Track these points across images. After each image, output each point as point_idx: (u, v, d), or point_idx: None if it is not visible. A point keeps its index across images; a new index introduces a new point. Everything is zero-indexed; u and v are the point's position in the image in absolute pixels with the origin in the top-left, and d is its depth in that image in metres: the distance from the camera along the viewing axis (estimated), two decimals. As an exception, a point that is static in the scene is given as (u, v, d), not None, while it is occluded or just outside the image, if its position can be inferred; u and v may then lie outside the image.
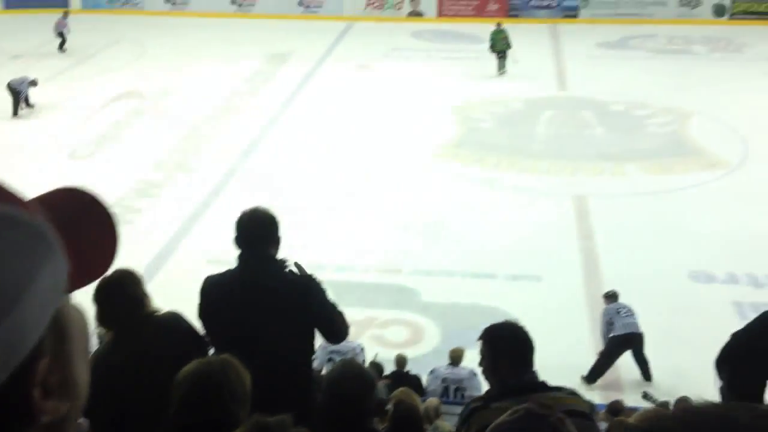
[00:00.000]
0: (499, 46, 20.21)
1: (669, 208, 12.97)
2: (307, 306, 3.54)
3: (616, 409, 6.92)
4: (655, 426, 0.79)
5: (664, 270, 11.05)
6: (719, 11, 25.90)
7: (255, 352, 3.03)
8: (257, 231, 3.54)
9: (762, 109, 17.31)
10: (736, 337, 2.08)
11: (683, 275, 10.92)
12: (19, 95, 17.18)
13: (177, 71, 20.69)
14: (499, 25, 20.66)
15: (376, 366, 7.98)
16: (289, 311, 3.51)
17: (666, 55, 22.53)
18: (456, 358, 8.20)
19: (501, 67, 20.23)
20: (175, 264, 11.24)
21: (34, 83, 17.52)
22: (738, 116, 16.78)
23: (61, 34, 22.61)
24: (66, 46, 22.63)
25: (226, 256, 12.06)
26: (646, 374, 9.01)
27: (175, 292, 10.45)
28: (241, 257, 3.56)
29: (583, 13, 26.54)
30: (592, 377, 8.93)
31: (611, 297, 9.48)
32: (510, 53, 20.23)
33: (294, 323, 3.52)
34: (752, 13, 25.75)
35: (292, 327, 3.53)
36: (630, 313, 9.12)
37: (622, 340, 8.94)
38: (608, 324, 9.11)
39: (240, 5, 28.03)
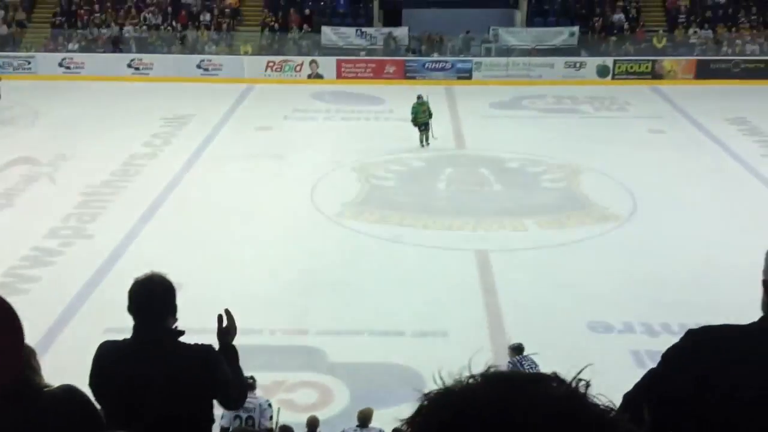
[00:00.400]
0: (422, 119, 19.22)
1: (566, 260, 13.42)
2: (203, 378, 3.43)
3: None
4: (463, 392, 0.85)
5: (564, 321, 11.37)
6: (602, 72, 27.39)
7: (150, 425, 2.94)
8: (151, 300, 3.41)
9: (647, 163, 18.29)
10: (627, 398, 2.15)
11: (582, 326, 11.26)
12: None
13: (73, 136, 20.22)
14: (420, 97, 19.36)
15: (286, 430, 7.85)
16: (186, 384, 3.39)
17: (555, 114, 23.59)
18: (364, 419, 8.14)
19: (424, 139, 19.39)
20: (71, 333, 10.81)
21: None
22: (625, 171, 17.64)
23: None
24: None
25: (125, 324, 11.64)
26: None
27: (71, 364, 10.04)
28: (135, 327, 3.44)
29: (476, 74, 27.58)
30: None
31: (516, 349, 9.64)
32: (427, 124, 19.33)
33: (191, 396, 3.41)
34: (633, 73, 27.35)
35: (189, 399, 3.43)
36: (533, 366, 9.32)
37: None
38: None
39: (137, 69, 27.77)
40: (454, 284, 12.50)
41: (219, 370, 3.53)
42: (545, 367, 9.38)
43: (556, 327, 11.18)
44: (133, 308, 3.43)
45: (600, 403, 0.89)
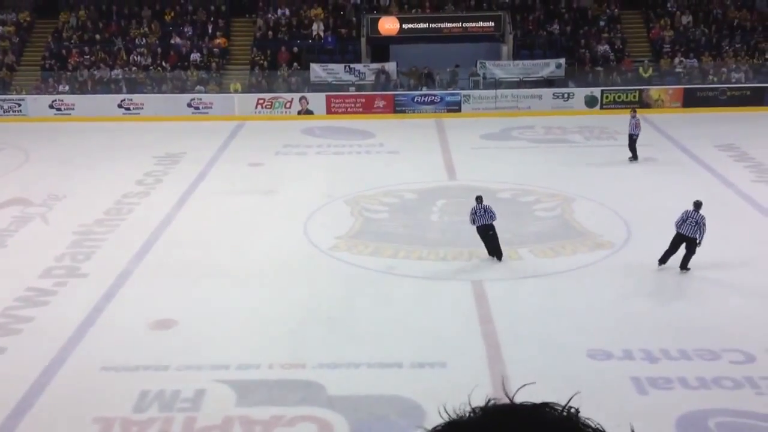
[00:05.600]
0: None
1: (562, 288, 13.40)
2: None
3: None
4: None
5: (563, 349, 11.31)
6: (591, 102, 27.65)
7: None
8: None
9: (639, 191, 18.38)
10: None
11: (581, 354, 11.19)
12: None
13: (64, 176, 20.23)
14: None
15: None
16: None
17: (546, 144, 23.73)
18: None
19: None
20: (68, 372, 10.69)
21: None
22: (617, 198, 17.72)
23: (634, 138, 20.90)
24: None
25: (119, 363, 11.52)
26: (684, 263, 13.71)
27: (68, 404, 9.94)
28: None
29: (465, 107, 27.78)
30: (662, 259, 13.82)
31: (696, 205, 13.88)
32: None
33: None
34: (621, 102, 27.61)
35: None
36: (692, 223, 13.66)
37: (680, 237, 13.71)
38: (681, 221, 13.81)
39: (128, 108, 27.86)
40: (450, 315, 12.45)
41: None
42: (545, 397, 9.33)
43: (555, 355, 11.13)
44: None
45: (593, 424, 0.93)
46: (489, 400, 0.94)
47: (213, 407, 9.86)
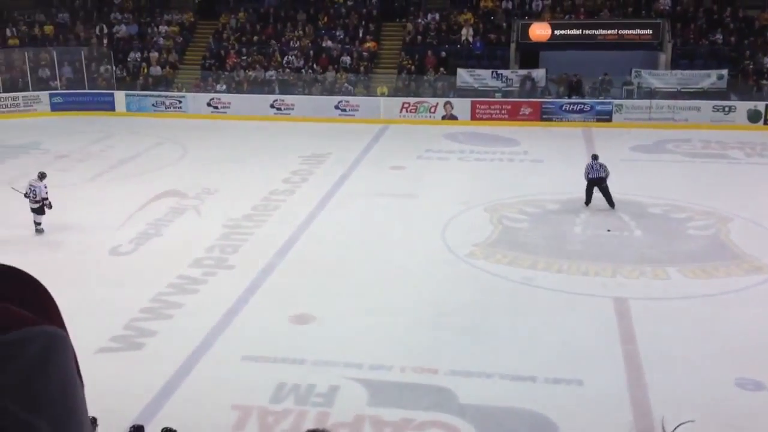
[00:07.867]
0: None
1: (712, 312, 12.67)
2: None
3: None
4: None
5: (709, 377, 10.68)
6: (754, 117, 26.03)
7: None
8: None
9: (803, 213, 17.11)
10: None
11: (729, 382, 10.54)
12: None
13: (217, 172, 21.16)
14: None
15: None
16: None
17: (702, 159, 22.55)
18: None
19: None
20: (210, 360, 11.14)
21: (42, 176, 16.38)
22: (779, 220, 16.58)
23: None
24: None
25: (260, 354, 11.85)
26: (610, 202, 17.03)
27: (208, 389, 10.36)
28: None
29: (617, 117, 26.85)
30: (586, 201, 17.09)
31: (594, 157, 16.87)
32: None
33: None
34: (787, 118, 25.86)
35: None
36: (597, 169, 16.99)
37: (591, 184, 17.08)
38: (587, 171, 17.08)
39: (279, 109, 28.84)
40: (590, 331, 12.04)
41: None
42: (692, 426, 8.82)
43: (701, 382, 10.53)
44: None
45: None
46: None
47: (345, 404, 9.99)
